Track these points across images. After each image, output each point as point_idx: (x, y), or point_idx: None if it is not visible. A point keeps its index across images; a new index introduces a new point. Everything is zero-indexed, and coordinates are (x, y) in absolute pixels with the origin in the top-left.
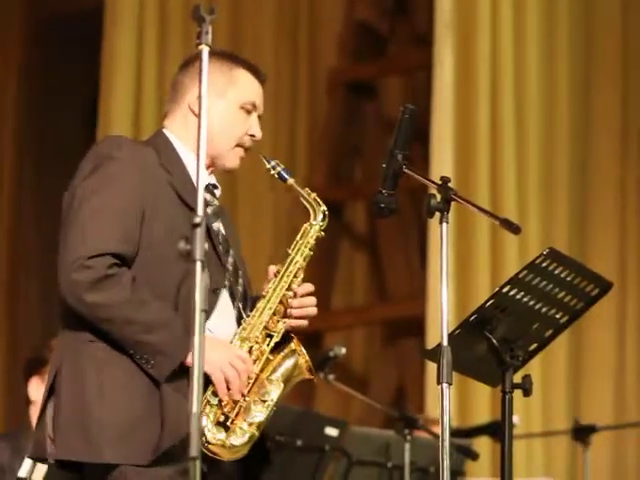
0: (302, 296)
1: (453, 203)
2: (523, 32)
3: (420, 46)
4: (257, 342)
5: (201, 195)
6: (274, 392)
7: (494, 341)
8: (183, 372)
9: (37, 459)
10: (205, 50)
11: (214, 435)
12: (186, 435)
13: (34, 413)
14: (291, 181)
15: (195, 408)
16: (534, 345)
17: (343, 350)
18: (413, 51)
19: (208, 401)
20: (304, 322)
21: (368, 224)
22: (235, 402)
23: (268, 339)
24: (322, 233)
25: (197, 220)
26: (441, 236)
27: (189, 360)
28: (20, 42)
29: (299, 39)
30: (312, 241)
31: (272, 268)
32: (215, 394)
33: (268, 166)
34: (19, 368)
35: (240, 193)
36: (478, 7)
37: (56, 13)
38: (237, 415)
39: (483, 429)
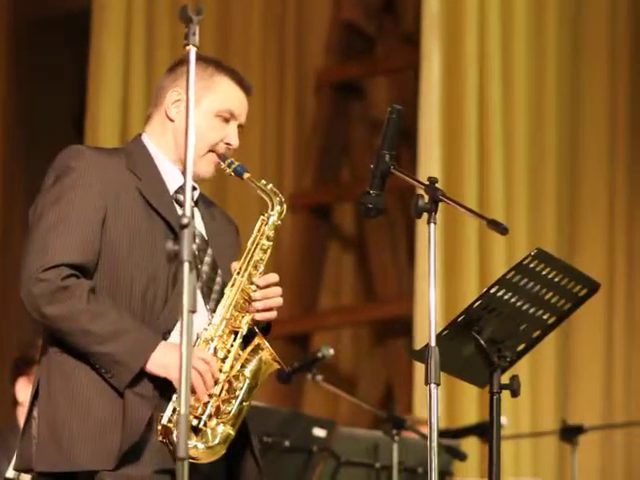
0: (265, 287)
1: (441, 204)
2: (510, 31)
3: (407, 46)
4: (222, 341)
5: (189, 197)
6: (244, 388)
7: (482, 342)
8: (145, 376)
9: (22, 471)
10: (192, 50)
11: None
12: (151, 436)
13: (21, 414)
14: (247, 175)
15: (183, 409)
16: (522, 346)
17: (331, 351)
18: (400, 51)
19: (174, 409)
20: (271, 314)
21: (356, 225)
22: (205, 404)
23: (233, 336)
24: (280, 222)
25: (185, 221)
26: (429, 237)
27: (150, 367)
28: (7, 44)
29: (286, 40)
30: (270, 232)
31: (234, 265)
32: None
33: (223, 165)
34: (7, 367)
35: (229, 192)
36: (465, 6)
37: (43, 15)
38: (209, 417)
39: (471, 430)
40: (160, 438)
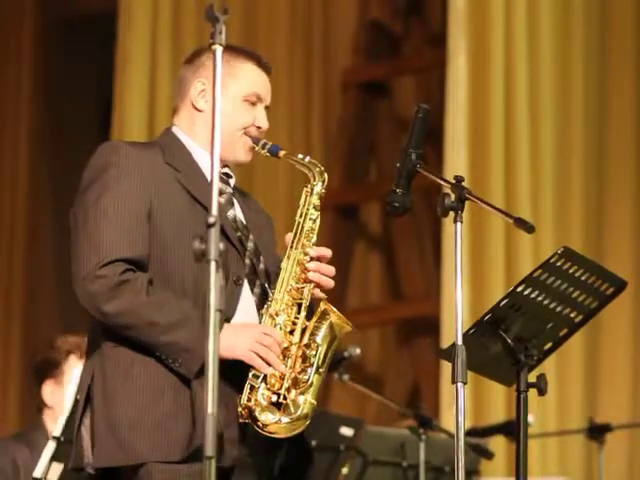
0: (319, 259)
1: (467, 202)
2: (537, 29)
3: (433, 45)
4: (287, 314)
5: (215, 195)
6: (317, 355)
7: (509, 340)
8: None
9: (77, 470)
10: (219, 50)
11: (270, 416)
12: (219, 434)
13: (49, 417)
14: (283, 153)
15: (210, 408)
16: (549, 344)
17: (358, 350)
18: (426, 50)
19: (252, 386)
20: (328, 282)
21: (383, 224)
22: (282, 378)
23: (297, 308)
24: (324, 191)
25: (211, 220)
26: (455, 235)
27: (220, 352)
28: (34, 43)
29: (313, 40)
30: (316, 201)
31: (288, 236)
32: (257, 376)
33: (257, 147)
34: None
35: (256, 184)
36: (491, 5)
37: (70, 15)
38: (288, 390)
39: (498, 428)
40: (242, 419)
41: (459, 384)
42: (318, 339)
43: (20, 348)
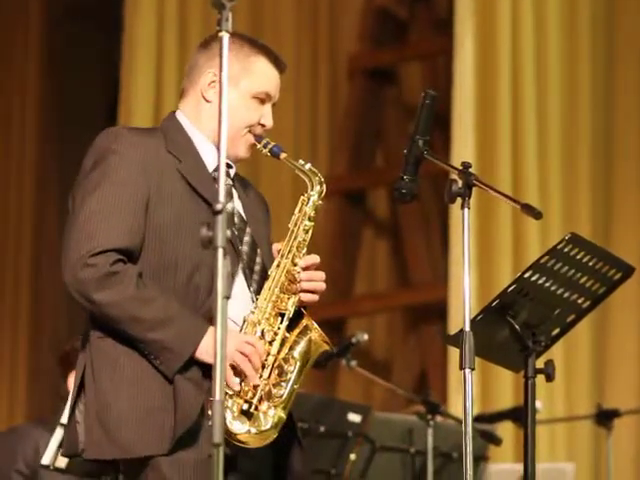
0: (308, 268)
1: (475, 189)
2: (544, 15)
3: (440, 31)
4: (269, 324)
5: (222, 183)
6: (292, 369)
7: (516, 326)
8: (195, 362)
9: (71, 456)
10: (225, 37)
11: (239, 425)
12: (203, 421)
13: None
14: (284, 155)
15: (218, 395)
16: (556, 330)
17: (365, 336)
18: (433, 36)
19: (225, 392)
20: (314, 297)
21: (390, 211)
22: (255, 387)
23: (280, 318)
24: (320, 202)
25: (218, 207)
26: (463, 222)
27: (199, 354)
28: (40, 25)
29: (319, 26)
30: (311, 212)
31: (276, 246)
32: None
33: (259, 146)
34: (42, 354)
35: (262, 178)
36: None
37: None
38: (260, 400)
39: (506, 414)
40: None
41: (467, 370)
42: (296, 354)
43: (27, 343)
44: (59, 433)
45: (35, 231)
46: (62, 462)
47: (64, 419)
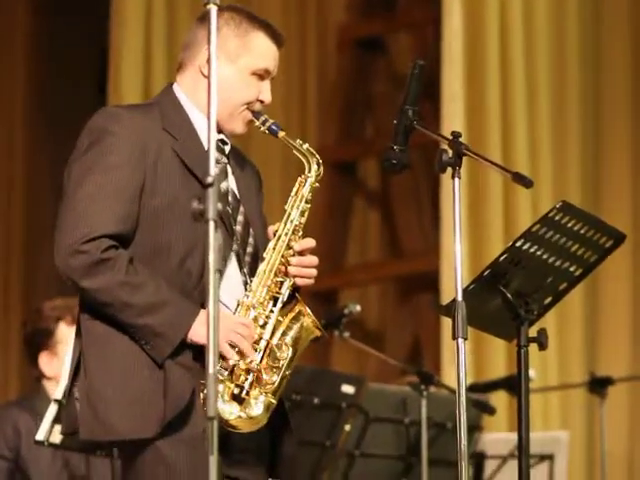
0: (302, 253)
1: (465, 158)
2: None
3: (428, 0)
4: (262, 307)
5: (212, 156)
6: (285, 356)
7: (509, 295)
8: (185, 347)
9: (70, 434)
10: (213, 10)
11: (230, 410)
12: (195, 402)
13: (50, 384)
14: (282, 134)
15: (211, 369)
16: (549, 298)
17: (358, 307)
18: (421, 6)
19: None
20: (309, 281)
21: (380, 181)
22: (247, 372)
23: (273, 302)
24: (317, 184)
25: (209, 180)
26: (453, 191)
27: (191, 336)
28: (27, 10)
29: None
30: (308, 194)
31: (271, 228)
32: (225, 368)
33: (257, 122)
34: None
35: (252, 146)
36: None
37: None
38: (251, 385)
39: (499, 384)
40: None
41: (460, 340)
42: (288, 339)
43: (19, 315)
44: (53, 408)
45: (27, 211)
46: (56, 438)
47: (58, 395)
